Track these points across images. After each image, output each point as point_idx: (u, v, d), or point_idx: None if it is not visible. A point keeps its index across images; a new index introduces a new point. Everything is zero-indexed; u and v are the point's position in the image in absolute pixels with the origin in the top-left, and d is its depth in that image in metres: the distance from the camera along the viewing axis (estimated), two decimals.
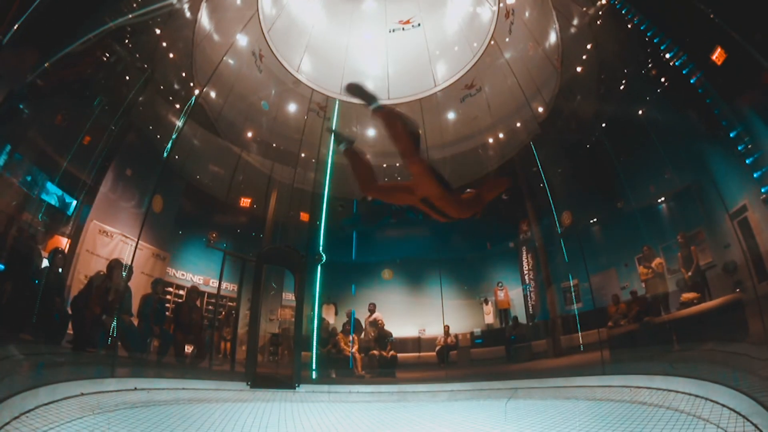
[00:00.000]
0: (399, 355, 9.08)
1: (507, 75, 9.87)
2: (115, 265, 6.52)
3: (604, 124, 8.18)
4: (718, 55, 5.12)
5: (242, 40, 9.38)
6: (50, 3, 4.58)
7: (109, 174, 7.30)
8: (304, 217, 10.43)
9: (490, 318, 10.94)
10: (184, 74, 8.74)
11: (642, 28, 6.21)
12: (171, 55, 8.37)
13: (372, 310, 9.46)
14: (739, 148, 5.03)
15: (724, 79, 5.21)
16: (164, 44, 8.08)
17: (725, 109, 5.27)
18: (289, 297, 9.89)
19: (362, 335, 9.16)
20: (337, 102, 10.66)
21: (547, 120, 9.54)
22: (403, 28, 10.73)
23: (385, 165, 11.86)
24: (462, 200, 3.29)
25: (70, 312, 5.89)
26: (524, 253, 10.93)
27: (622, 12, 6.64)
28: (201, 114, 9.20)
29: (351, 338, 8.80)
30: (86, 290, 6.07)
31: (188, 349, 7.55)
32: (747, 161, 4.97)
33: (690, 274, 6.53)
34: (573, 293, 9.20)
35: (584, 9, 7.97)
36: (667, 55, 5.93)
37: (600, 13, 7.64)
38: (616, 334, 7.21)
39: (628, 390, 4.69)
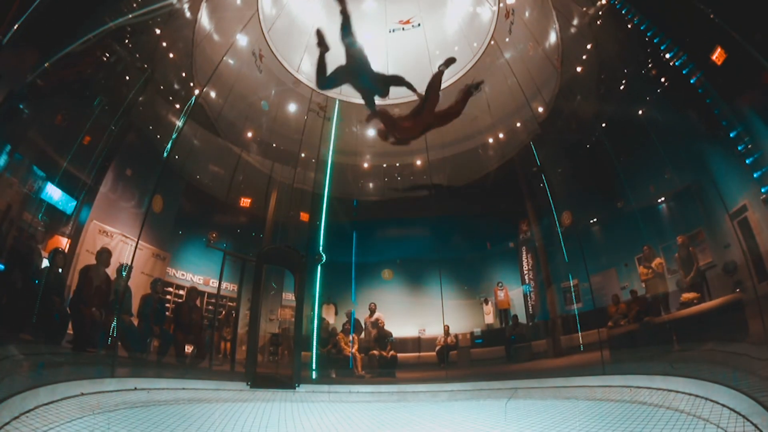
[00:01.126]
0: (399, 355, 9.08)
1: (507, 75, 9.87)
2: (102, 252, 6.48)
3: (604, 124, 8.18)
4: (718, 55, 5.12)
5: (242, 40, 9.37)
6: (50, 3, 4.58)
7: (109, 174, 7.30)
8: (304, 217, 10.43)
9: (490, 318, 10.94)
10: (184, 74, 8.74)
11: (642, 28, 6.21)
12: (171, 55, 8.37)
13: (373, 310, 9.46)
14: (739, 148, 5.03)
15: (724, 79, 5.21)
16: (164, 44, 8.07)
17: (725, 109, 5.27)
18: (289, 297, 9.89)
19: (362, 335, 9.16)
20: (337, 102, 10.66)
21: (547, 120, 9.54)
22: (403, 28, 10.73)
23: (385, 165, 11.89)
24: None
25: (68, 311, 5.88)
26: (524, 253, 10.93)
27: (622, 12, 6.64)
28: (201, 114, 9.20)
29: (351, 338, 8.80)
30: (80, 285, 6.04)
31: (188, 349, 7.55)
32: (747, 161, 4.97)
33: (691, 275, 6.53)
34: (573, 293, 9.21)
35: (584, 9, 7.97)
36: (667, 55, 5.93)
37: (600, 13, 7.64)
38: (616, 334, 7.21)
39: (628, 390, 4.69)
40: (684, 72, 5.69)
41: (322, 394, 6.57)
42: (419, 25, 10.67)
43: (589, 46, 8.22)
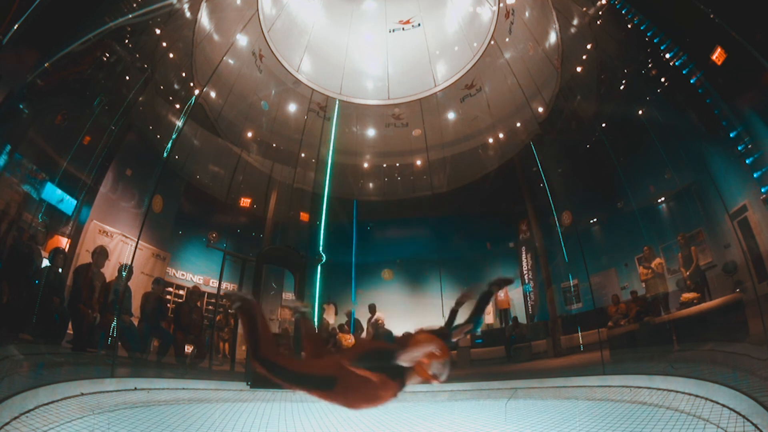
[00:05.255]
0: None
1: (507, 75, 9.87)
2: (100, 251, 6.46)
3: (604, 124, 8.18)
4: (718, 55, 5.12)
5: (242, 40, 9.38)
6: (50, 3, 4.57)
7: (109, 174, 7.29)
8: (304, 217, 10.43)
9: (490, 318, 10.93)
10: (184, 74, 8.74)
11: (642, 28, 6.21)
12: (171, 55, 8.37)
13: (373, 311, 9.44)
14: (739, 148, 5.03)
15: (724, 79, 5.21)
16: (164, 44, 8.07)
17: (725, 109, 5.27)
18: (289, 297, 9.88)
19: (362, 335, 9.16)
20: (337, 102, 10.66)
21: (547, 120, 9.54)
22: (403, 28, 10.73)
23: (385, 165, 11.89)
24: None
25: (68, 311, 5.88)
26: (524, 253, 10.93)
27: (622, 12, 6.64)
28: (201, 114, 9.20)
29: (350, 337, 8.79)
30: (74, 285, 6.03)
31: (188, 349, 7.55)
32: (747, 161, 4.98)
33: (688, 273, 6.53)
34: (573, 293, 9.20)
35: (584, 9, 7.97)
36: (667, 55, 5.93)
37: (600, 13, 7.64)
38: (616, 334, 7.21)
39: (628, 390, 4.69)
40: (684, 72, 5.70)
41: None
42: (419, 25, 10.68)
43: (589, 46, 8.22)
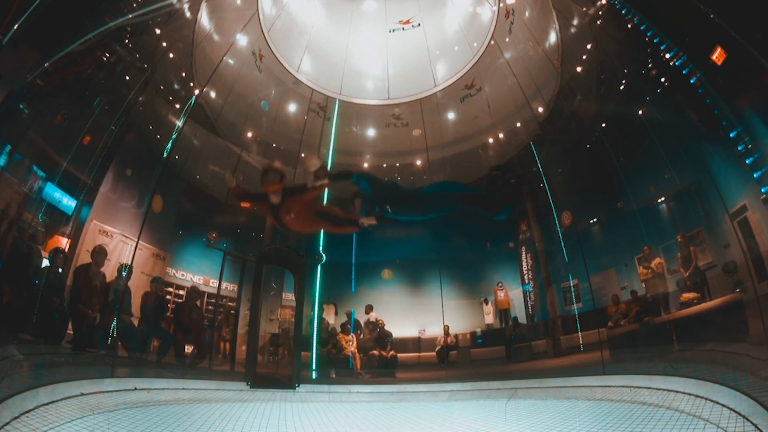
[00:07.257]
0: (399, 355, 9.07)
1: (507, 75, 9.87)
2: (99, 251, 6.45)
3: (604, 124, 8.18)
4: (718, 55, 5.12)
5: (242, 40, 9.37)
6: (50, 3, 4.57)
7: (109, 174, 7.29)
8: None
9: (490, 318, 10.93)
10: (184, 74, 8.74)
11: (642, 28, 6.21)
12: (171, 55, 8.36)
13: (368, 311, 9.45)
14: (739, 148, 5.03)
15: (724, 79, 5.21)
16: (164, 44, 8.07)
17: (725, 109, 5.26)
18: (289, 297, 9.88)
19: (362, 335, 9.17)
20: (337, 102, 10.66)
21: (547, 120, 9.54)
22: (403, 28, 10.73)
23: (385, 165, 11.89)
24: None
25: (68, 311, 5.88)
26: (524, 253, 10.93)
27: (622, 12, 6.64)
28: (201, 114, 9.19)
29: (350, 337, 8.80)
30: (74, 284, 6.04)
31: (188, 349, 7.55)
32: (747, 161, 4.97)
33: (688, 273, 6.54)
34: (573, 293, 9.20)
35: (584, 9, 7.97)
36: (667, 55, 5.93)
37: (600, 13, 7.64)
38: (616, 334, 7.22)
39: (628, 390, 4.69)
40: (684, 72, 5.69)
41: (322, 394, 6.58)
42: (419, 25, 10.68)
43: (589, 46, 8.21)
